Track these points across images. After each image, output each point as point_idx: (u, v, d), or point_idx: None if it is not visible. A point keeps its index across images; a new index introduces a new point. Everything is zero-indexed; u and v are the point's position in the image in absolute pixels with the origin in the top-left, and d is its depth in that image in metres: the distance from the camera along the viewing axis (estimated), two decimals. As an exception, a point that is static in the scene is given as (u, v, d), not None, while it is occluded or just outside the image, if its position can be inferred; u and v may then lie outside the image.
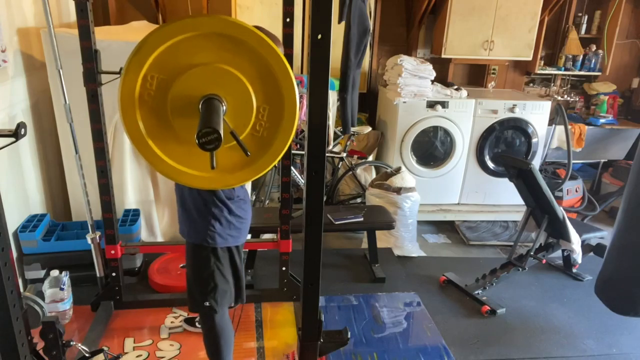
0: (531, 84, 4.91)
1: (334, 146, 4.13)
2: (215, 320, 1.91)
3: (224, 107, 1.02)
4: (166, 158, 1.06)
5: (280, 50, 1.74)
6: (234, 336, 2.01)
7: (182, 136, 0.97)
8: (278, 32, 2.44)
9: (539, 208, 3.17)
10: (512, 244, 3.45)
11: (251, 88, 1.03)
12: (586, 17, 4.63)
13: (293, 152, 3.34)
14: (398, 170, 3.73)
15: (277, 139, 1.08)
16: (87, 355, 1.98)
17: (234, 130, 1.05)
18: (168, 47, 0.99)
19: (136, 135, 1.04)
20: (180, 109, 1.02)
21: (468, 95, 4.05)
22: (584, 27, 4.65)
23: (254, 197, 3.87)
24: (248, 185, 3.36)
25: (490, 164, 4.14)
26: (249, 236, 3.01)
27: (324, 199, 1.33)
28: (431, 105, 3.92)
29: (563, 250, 3.34)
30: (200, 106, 1.01)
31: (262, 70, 1.02)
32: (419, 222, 3.89)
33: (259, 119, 1.06)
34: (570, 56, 4.64)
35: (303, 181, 2.44)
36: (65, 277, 2.55)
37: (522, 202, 3.31)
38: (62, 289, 2.52)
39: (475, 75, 4.81)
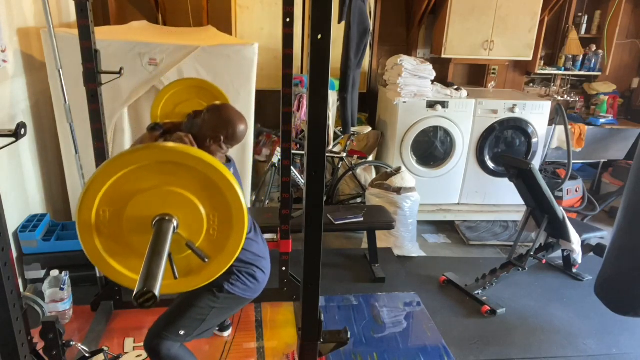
0: (531, 84, 4.91)
1: (334, 146, 4.13)
2: (168, 348, 1.84)
3: (175, 224, 1.11)
4: (128, 273, 1.15)
5: (240, 128, 1.83)
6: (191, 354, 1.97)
7: (140, 251, 1.05)
8: (278, 32, 2.45)
9: (539, 208, 3.17)
10: (512, 244, 3.45)
11: (198, 201, 1.12)
12: (586, 17, 4.62)
13: (293, 152, 3.34)
14: (398, 170, 3.73)
15: (231, 239, 1.16)
16: (87, 355, 1.98)
17: (189, 242, 1.13)
18: (114, 182, 1.08)
19: (97, 258, 1.14)
20: (135, 230, 1.12)
21: (468, 95, 4.05)
22: (584, 27, 4.65)
23: (254, 197, 3.87)
24: (248, 186, 3.36)
25: (490, 164, 4.14)
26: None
27: (324, 199, 1.32)
28: (431, 105, 3.92)
29: (563, 250, 3.34)
30: (153, 225, 1.10)
31: (205, 183, 1.10)
32: (419, 222, 3.89)
33: (211, 225, 1.15)
34: (570, 56, 4.64)
35: (303, 181, 2.44)
36: (65, 277, 2.55)
37: (522, 202, 3.31)
38: (62, 289, 2.52)
39: (475, 75, 4.81)
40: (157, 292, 0.93)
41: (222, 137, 1.80)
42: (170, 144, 1.12)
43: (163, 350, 1.83)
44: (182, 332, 1.83)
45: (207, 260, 1.15)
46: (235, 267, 1.88)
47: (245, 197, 3.39)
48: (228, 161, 1.92)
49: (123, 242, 1.14)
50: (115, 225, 1.12)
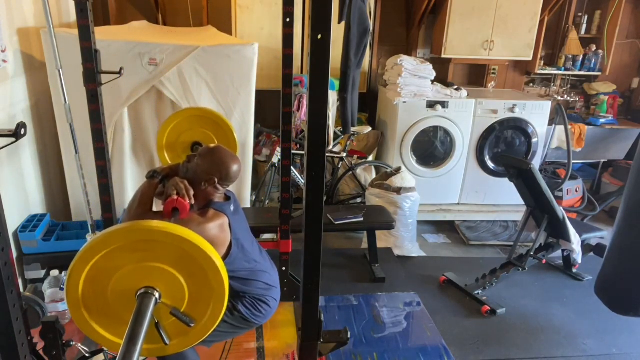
0: (531, 84, 4.91)
1: (334, 146, 4.13)
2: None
3: (157, 295, 1.18)
4: (118, 340, 1.21)
5: (234, 169, 1.88)
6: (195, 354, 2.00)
7: (127, 319, 1.13)
8: (278, 32, 2.45)
9: (539, 208, 3.17)
10: (512, 244, 3.45)
11: (176, 272, 1.19)
12: (586, 17, 4.62)
13: (293, 152, 3.34)
14: (398, 170, 3.73)
15: (213, 301, 1.22)
16: (87, 355, 1.97)
17: (174, 309, 1.20)
18: (96, 262, 1.17)
19: (88, 329, 1.23)
20: (120, 302, 1.20)
21: (468, 95, 4.05)
22: (584, 27, 4.65)
23: (254, 197, 3.87)
24: (248, 186, 3.36)
25: (490, 164, 4.14)
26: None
27: (324, 199, 1.32)
28: (431, 105, 3.92)
29: (563, 250, 3.34)
30: (136, 298, 1.18)
31: (182, 255, 1.17)
32: (419, 222, 3.89)
33: (192, 291, 1.22)
34: (570, 56, 4.64)
35: (303, 181, 2.44)
36: (65, 277, 2.55)
37: (522, 202, 3.31)
38: (62, 289, 2.52)
39: (475, 75, 4.81)
40: None
41: (216, 180, 1.85)
42: (145, 223, 1.19)
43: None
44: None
45: (192, 325, 1.22)
46: (247, 295, 1.92)
47: (246, 197, 3.39)
48: (227, 199, 1.95)
49: (110, 314, 1.21)
50: (102, 300, 1.20)
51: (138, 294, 1.18)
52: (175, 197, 1.71)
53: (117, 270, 1.18)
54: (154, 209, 1.86)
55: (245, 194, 3.34)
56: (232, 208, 1.89)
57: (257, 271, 1.95)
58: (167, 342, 1.23)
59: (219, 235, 1.77)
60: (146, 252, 1.17)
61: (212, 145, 1.97)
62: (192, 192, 1.78)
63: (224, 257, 1.80)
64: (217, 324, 1.25)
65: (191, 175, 1.85)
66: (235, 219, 1.87)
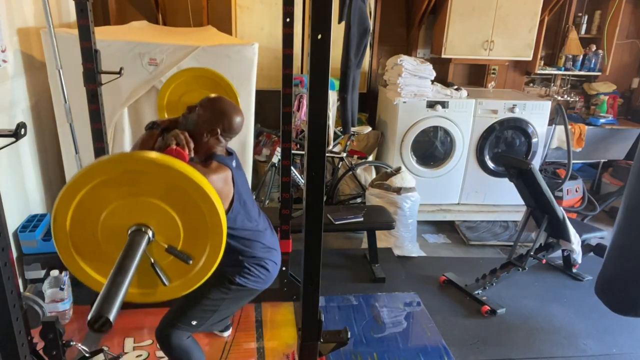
0: (531, 84, 4.91)
1: (334, 146, 4.13)
2: (181, 339, 1.88)
3: (151, 234, 1.11)
4: (96, 276, 1.17)
5: (236, 120, 1.82)
6: (200, 351, 1.99)
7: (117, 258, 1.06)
8: (278, 32, 2.45)
9: (539, 208, 3.17)
10: (512, 244, 3.45)
11: (169, 207, 1.11)
12: (586, 17, 4.62)
13: (293, 152, 3.34)
14: (398, 170, 3.73)
15: (210, 238, 1.15)
16: (87, 355, 1.97)
17: (170, 246, 1.13)
18: (86, 192, 1.08)
19: (75, 267, 1.15)
20: (111, 241, 1.12)
21: (468, 95, 4.05)
22: (584, 27, 4.65)
23: (254, 197, 3.86)
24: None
25: (490, 164, 4.14)
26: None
27: (324, 199, 1.32)
28: (431, 105, 3.91)
29: (563, 250, 3.34)
30: (128, 235, 1.10)
31: (178, 191, 1.10)
32: (419, 222, 3.89)
33: (188, 229, 1.14)
34: (570, 56, 4.64)
35: (303, 181, 2.44)
36: (65, 277, 2.55)
37: (522, 202, 3.31)
38: (62, 289, 2.52)
39: (475, 75, 4.81)
40: (112, 317, 0.91)
41: (218, 130, 1.78)
42: (133, 153, 1.12)
43: (174, 340, 1.86)
44: (194, 323, 1.86)
45: (190, 261, 1.14)
46: (246, 260, 1.88)
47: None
48: (230, 154, 1.90)
49: (99, 252, 1.14)
50: (91, 235, 1.13)
51: (130, 231, 1.10)
52: (174, 146, 1.66)
53: (106, 207, 1.10)
54: None
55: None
56: (234, 163, 1.84)
57: (257, 231, 1.91)
58: (167, 282, 1.14)
59: (223, 187, 1.72)
60: (136, 185, 1.09)
61: (213, 95, 1.89)
62: (192, 145, 1.73)
63: (226, 212, 1.73)
64: (216, 263, 1.17)
65: (192, 126, 1.79)
66: (237, 174, 1.83)
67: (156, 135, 1.81)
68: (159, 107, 2.32)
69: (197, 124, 1.79)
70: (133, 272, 1.01)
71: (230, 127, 1.80)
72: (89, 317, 0.91)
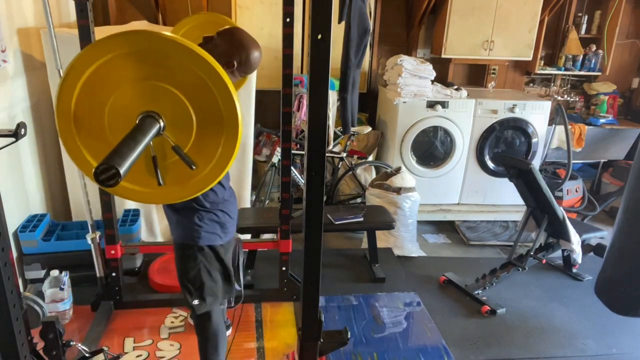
0: (531, 84, 4.91)
1: (334, 146, 4.13)
2: (205, 319, 1.91)
3: (162, 124, 1.00)
4: None
5: (255, 54, 1.69)
6: (226, 337, 2.01)
7: None
8: (278, 32, 2.45)
9: (539, 208, 3.17)
10: (512, 244, 3.45)
11: (187, 101, 1.01)
12: (586, 17, 4.62)
13: (293, 152, 3.34)
14: (398, 170, 3.73)
15: (223, 147, 1.06)
16: (87, 355, 1.98)
17: (176, 146, 1.03)
18: (96, 68, 0.97)
19: (76, 153, 1.04)
20: (118, 128, 1.01)
21: (468, 95, 4.05)
22: (584, 27, 4.65)
23: (254, 197, 3.87)
24: (248, 186, 3.36)
25: (490, 164, 4.14)
26: (248, 236, 3.02)
27: (324, 199, 1.32)
28: (431, 105, 3.91)
29: (563, 250, 3.34)
30: (137, 121, 1.00)
31: (197, 82, 0.99)
32: (419, 222, 3.89)
33: (202, 130, 1.04)
34: (570, 56, 4.64)
35: (303, 181, 2.44)
36: (65, 277, 2.55)
37: (522, 202, 3.31)
38: (62, 289, 2.52)
39: (475, 75, 4.81)
40: (123, 170, 0.83)
41: (235, 63, 1.68)
42: (157, 32, 0.99)
43: (214, 319, 1.92)
44: (196, 302, 1.86)
45: (194, 167, 1.05)
46: (197, 216, 1.79)
47: (246, 197, 3.39)
48: None
49: (103, 137, 1.03)
50: (96, 117, 1.02)
51: (140, 116, 1.00)
52: None
53: (120, 84, 0.99)
54: None
55: (245, 194, 3.34)
56: None
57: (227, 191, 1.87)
58: (162, 182, 1.05)
59: None
60: (156, 67, 0.98)
61: (232, 26, 1.80)
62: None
63: None
64: (222, 175, 1.08)
65: None
66: None
67: None
68: None
69: (213, 55, 1.75)
70: (143, 147, 0.92)
71: (247, 61, 1.71)
72: (96, 166, 0.83)
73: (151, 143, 1.00)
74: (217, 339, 1.96)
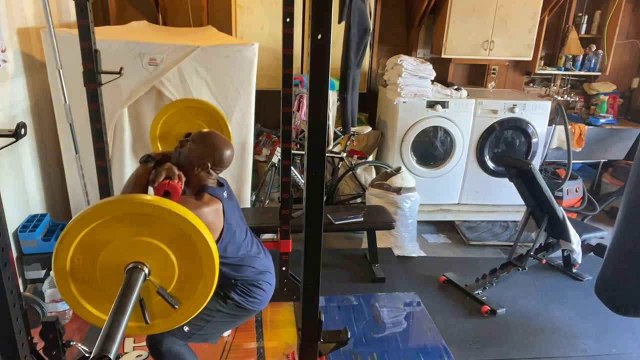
0: (531, 84, 4.91)
1: (334, 146, 4.13)
2: (170, 345, 1.87)
3: (146, 271, 1.16)
4: (102, 316, 1.21)
5: (226, 154, 1.88)
6: (193, 353, 1.99)
7: (114, 296, 1.11)
8: (278, 32, 2.45)
9: (539, 208, 3.17)
10: (512, 244, 3.45)
11: (169, 250, 1.17)
12: (586, 17, 4.62)
13: (293, 152, 3.34)
14: (398, 170, 3.73)
15: (201, 286, 1.21)
16: (87, 355, 1.97)
17: (161, 288, 1.19)
18: (88, 232, 1.14)
19: (74, 302, 1.20)
20: (109, 277, 1.17)
21: (468, 95, 4.05)
22: (584, 27, 4.65)
23: (254, 197, 3.87)
24: (248, 186, 3.36)
25: (490, 164, 4.14)
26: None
27: (324, 199, 1.32)
28: (431, 105, 3.91)
29: (563, 250, 3.34)
30: (125, 273, 1.15)
31: (176, 233, 1.15)
32: (419, 222, 3.89)
33: (182, 272, 1.20)
34: (570, 56, 4.64)
35: (303, 181, 2.44)
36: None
37: (522, 202, 3.31)
38: (62, 289, 2.52)
39: (475, 75, 4.81)
40: (112, 355, 0.98)
41: (209, 164, 1.84)
42: (142, 197, 1.17)
43: (164, 346, 1.85)
44: (186, 329, 1.85)
45: (177, 306, 1.21)
46: (239, 284, 1.92)
47: (246, 197, 3.39)
48: (220, 185, 1.94)
49: (97, 288, 1.19)
50: (90, 272, 1.18)
51: (127, 268, 1.16)
52: (167, 180, 1.72)
53: (109, 242, 1.16)
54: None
55: (245, 194, 3.34)
56: (225, 194, 1.89)
57: (248, 257, 1.95)
58: (148, 321, 1.21)
59: (214, 220, 1.77)
60: (141, 226, 1.15)
61: (204, 130, 1.95)
62: (184, 179, 1.78)
63: (216, 242, 1.79)
64: (201, 308, 1.24)
65: (184, 160, 1.84)
66: (228, 205, 1.87)
67: (150, 168, 1.86)
68: (152, 137, 2.35)
69: (188, 158, 1.84)
70: (130, 312, 1.07)
71: (221, 161, 1.86)
72: (91, 356, 0.98)
73: (151, 279, 1.18)
74: (184, 357, 1.92)
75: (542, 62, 4.69)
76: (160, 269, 1.18)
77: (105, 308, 1.14)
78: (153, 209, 1.14)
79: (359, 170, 4.08)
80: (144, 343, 2.43)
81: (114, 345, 1.00)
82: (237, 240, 1.92)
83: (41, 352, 1.58)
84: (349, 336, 1.41)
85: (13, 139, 1.16)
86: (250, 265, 1.95)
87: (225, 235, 1.83)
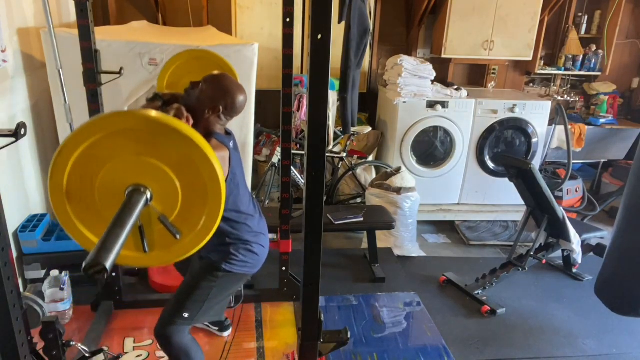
0: (531, 84, 4.91)
1: (334, 146, 4.13)
2: (175, 332, 1.87)
3: (149, 195, 1.07)
4: (97, 240, 1.09)
5: (240, 99, 1.79)
6: (200, 348, 1.98)
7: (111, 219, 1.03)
8: (278, 32, 2.45)
9: (539, 208, 3.17)
10: (512, 244, 3.45)
11: (173, 174, 1.08)
12: (586, 17, 4.62)
13: (293, 152, 3.34)
14: (398, 170, 3.73)
15: (206, 216, 1.12)
16: (87, 355, 1.98)
17: (162, 216, 1.09)
18: (87, 147, 1.04)
19: (68, 223, 1.12)
20: (107, 198, 1.08)
21: (468, 95, 4.05)
22: (584, 27, 4.65)
23: (254, 197, 3.86)
24: (247, 186, 3.36)
25: (490, 164, 4.14)
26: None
27: (324, 199, 1.33)
28: (431, 105, 3.91)
29: (563, 250, 3.34)
30: (125, 195, 1.06)
31: (182, 156, 1.06)
32: (419, 222, 3.89)
33: (186, 200, 1.11)
34: (570, 56, 4.64)
35: (303, 181, 2.44)
36: (65, 277, 2.55)
37: (522, 202, 3.31)
38: (62, 289, 2.52)
39: (475, 75, 4.81)
40: (108, 265, 0.90)
41: (220, 108, 1.75)
42: (149, 112, 1.07)
43: (174, 338, 1.86)
44: (186, 315, 1.85)
45: (178, 236, 1.11)
46: (233, 243, 1.86)
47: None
48: (228, 134, 1.88)
49: (95, 210, 1.10)
50: (88, 191, 1.09)
51: (128, 190, 1.07)
52: None
53: (110, 160, 1.07)
54: None
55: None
56: (231, 144, 1.83)
57: (247, 215, 1.90)
58: (147, 249, 1.11)
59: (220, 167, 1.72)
60: (145, 145, 1.05)
61: (218, 72, 1.86)
62: (192, 121, 1.71)
63: None
64: (204, 242, 1.15)
65: (194, 102, 1.76)
66: (234, 156, 1.82)
67: (157, 107, 1.78)
68: (158, 87, 2.27)
69: (199, 100, 1.76)
70: (129, 229, 0.98)
71: (233, 105, 1.77)
72: (84, 263, 0.90)
73: (152, 205, 1.08)
74: (190, 350, 1.92)
75: (542, 62, 4.69)
76: (162, 194, 1.09)
77: (102, 232, 1.03)
78: (161, 127, 1.04)
79: (359, 170, 4.08)
80: (144, 343, 2.43)
81: (110, 256, 0.91)
82: (240, 194, 1.86)
83: (41, 352, 1.58)
84: (349, 336, 1.41)
85: (13, 139, 1.16)
86: (247, 223, 1.89)
87: (229, 186, 1.75)
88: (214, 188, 1.10)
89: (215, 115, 1.76)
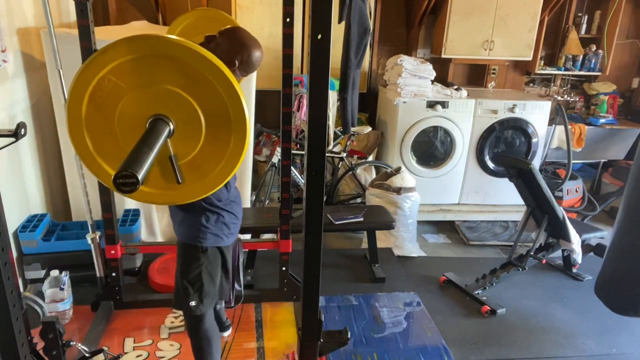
0: (531, 84, 4.91)
1: (334, 146, 4.13)
2: (199, 320, 1.90)
3: (172, 127, 1.02)
4: (113, 172, 1.05)
5: (256, 54, 1.73)
6: (219, 338, 2.00)
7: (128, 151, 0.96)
8: (278, 32, 2.45)
9: (539, 208, 3.17)
10: (512, 244, 3.45)
11: (195, 102, 1.03)
12: (586, 17, 4.62)
13: (293, 152, 3.34)
14: (398, 170, 3.73)
15: (233, 145, 1.08)
16: (87, 355, 1.97)
17: (172, 156, 1.05)
18: (106, 73, 0.99)
19: (87, 156, 1.06)
20: (129, 133, 1.03)
21: (468, 95, 4.05)
22: (584, 27, 4.65)
23: (254, 197, 3.87)
24: (248, 186, 3.36)
25: (490, 164, 4.14)
26: (248, 236, 3.02)
27: (324, 199, 1.33)
28: (431, 105, 3.92)
29: (563, 250, 3.34)
30: (147, 125, 1.01)
31: (202, 83, 1.01)
32: (419, 222, 3.89)
33: (211, 130, 1.06)
34: (570, 56, 4.64)
35: (303, 181, 2.44)
36: (65, 277, 2.55)
37: (522, 202, 3.31)
38: (62, 289, 2.52)
39: (475, 75, 4.81)
40: (140, 176, 0.85)
41: (236, 62, 1.69)
42: (173, 37, 1.01)
43: (205, 324, 1.91)
44: (193, 303, 1.85)
45: (180, 182, 1.06)
46: (204, 216, 1.81)
47: (246, 197, 3.39)
48: None
49: (114, 141, 1.05)
50: (107, 123, 1.03)
51: (150, 119, 1.01)
52: None
53: (128, 90, 1.01)
54: None
55: (245, 194, 3.34)
56: None
57: (230, 180, 1.85)
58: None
59: None
60: (162, 71, 0.99)
61: (235, 25, 1.81)
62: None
63: None
64: (234, 172, 1.10)
65: None
66: None
67: None
68: None
69: (214, 54, 1.75)
70: (157, 151, 0.93)
71: (249, 60, 1.72)
72: (116, 171, 0.84)
73: (168, 141, 1.02)
74: (211, 340, 1.95)
75: (542, 62, 4.69)
76: (185, 125, 1.02)
77: (117, 166, 0.96)
78: (174, 49, 0.98)
79: (359, 170, 4.08)
80: (144, 343, 2.43)
81: (141, 169, 0.85)
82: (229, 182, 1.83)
83: (41, 352, 1.58)
84: (349, 336, 1.41)
85: (13, 139, 1.16)
86: (227, 189, 1.85)
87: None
88: (237, 114, 1.04)
89: (231, 69, 1.73)
